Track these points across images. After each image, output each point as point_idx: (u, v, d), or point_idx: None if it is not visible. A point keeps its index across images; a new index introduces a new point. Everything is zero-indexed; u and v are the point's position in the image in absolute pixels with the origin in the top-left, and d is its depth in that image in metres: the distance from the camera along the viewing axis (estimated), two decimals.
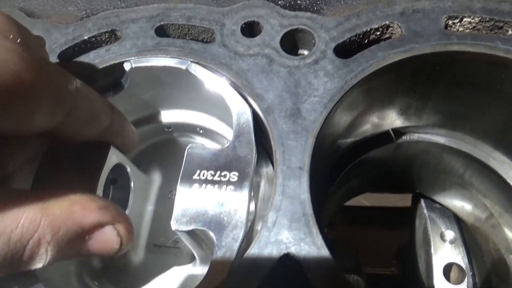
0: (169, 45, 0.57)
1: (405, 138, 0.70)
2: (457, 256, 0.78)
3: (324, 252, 0.42)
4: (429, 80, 0.56)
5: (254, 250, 0.43)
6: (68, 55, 0.59)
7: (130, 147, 0.55)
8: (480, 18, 0.52)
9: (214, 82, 0.54)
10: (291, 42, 0.56)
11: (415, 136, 0.69)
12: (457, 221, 0.81)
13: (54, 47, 0.59)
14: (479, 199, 0.75)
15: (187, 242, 0.51)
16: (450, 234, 0.79)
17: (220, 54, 0.55)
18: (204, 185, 0.49)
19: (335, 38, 0.53)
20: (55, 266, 0.49)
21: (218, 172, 0.49)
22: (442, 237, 0.80)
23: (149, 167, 0.65)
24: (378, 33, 0.54)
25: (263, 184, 0.59)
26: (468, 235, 0.80)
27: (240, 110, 0.52)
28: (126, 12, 0.60)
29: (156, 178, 0.65)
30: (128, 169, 0.56)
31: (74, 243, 0.41)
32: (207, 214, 0.47)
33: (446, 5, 0.53)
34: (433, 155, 0.72)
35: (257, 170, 0.57)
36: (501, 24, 0.51)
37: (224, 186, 0.48)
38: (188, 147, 0.51)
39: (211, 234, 0.46)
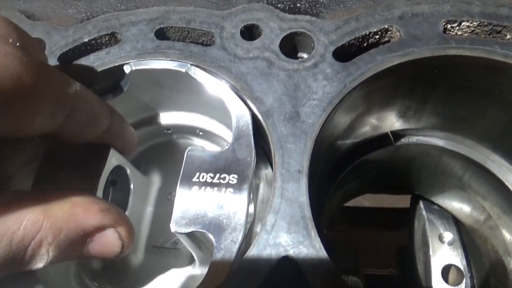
0: (169, 48, 0.57)
1: (404, 140, 0.70)
2: (456, 258, 0.78)
3: (323, 254, 0.43)
4: (428, 83, 0.56)
5: (253, 253, 0.43)
6: (68, 58, 0.60)
7: (130, 149, 0.55)
8: (478, 22, 0.52)
9: (214, 85, 0.54)
10: (291, 46, 0.57)
11: (414, 139, 0.70)
12: (456, 222, 0.81)
13: (54, 49, 0.60)
14: (477, 201, 0.76)
15: (186, 244, 0.51)
16: (448, 235, 0.80)
17: (219, 57, 0.55)
18: (203, 187, 0.49)
19: (334, 41, 0.54)
20: (55, 267, 0.49)
21: (218, 175, 0.49)
22: (440, 238, 0.80)
23: (149, 169, 0.66)
24: (377, 36, 0.55)
25: (262, 186, 0.59)
26: (467, 237, 0.80)
27: (240, 113, 0.52)
28: (126, 15, 0.61)
29: (156, 179, 0.65)
30: (128, 171, 0.56)
31: (75, 245, 0.41)
32: (206, 217, 0.47)
33: (444, 9, 0.53)
34: (432, 157, 0.72)
35: (256, 173, 0.57)
36: (500, 29, 0.52)
37: (224, 189, 0.48)
38: (187, 149, 0.52)
39: (210, 236, 0.46)
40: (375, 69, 0.51)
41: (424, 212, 0.83)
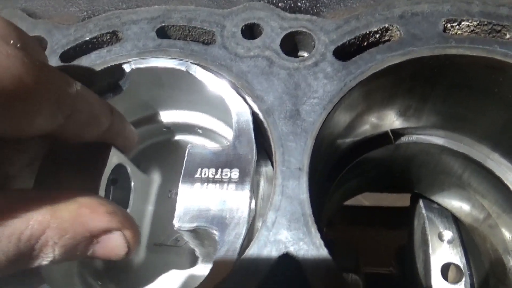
0: (170, 47, 0.57)
1: (404, 139, 0.70)
2: (455, 256, 0.78)
3: (323, 251, 0.43)
4: (428, 82, 0.56)
5: (253, 250, 0.44)
6: (70, 56, 0.60)
7: (130, 147, 0.55)
8: (478, 21, 0.52)
9: (214, 83, 0.55)
10: (291, 44, 0.57)
11: (414, 137, 0.70)
12: (455, 221, 0.82)
13: (55, 47, 0.60)
14: (477, 199, 0.76)
15: (189, 240, 0.52)
16: (448, 234, 0.80)
17: (220, 56, 0.56)
18: (205, 183, 0.49)
19: (335, 40, 0.54)
20: (58, 267, 0.49)
21: (220, 171, 0.50)
22: (440, 237, 0.80)
23: (149, 167, 0.66)
24: (378, 35, 0.55)
25: (262, 183, 0.59)
26: (466, 235, 0.81)
27: (240, 110, 0.53)
28: (127, 14, 0.61)
29: (156, 178, 0.66)
30: (129, 169, 0.57)
31: (81, 246, 0.41)
32: (209, 212, 0.48)
33: (444, 9, 0.53)
34: (432, 156, 0.73)
35: (256, 169, 0.58)
36: (499, 28, 0.52)
37: (226, 185, 0.49)
38: (188, 147, 0.52)
39: (214, 231, 0.47)
40: (375, 68, 0.51)
41: (423, 211, 0.84)
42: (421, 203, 0.85)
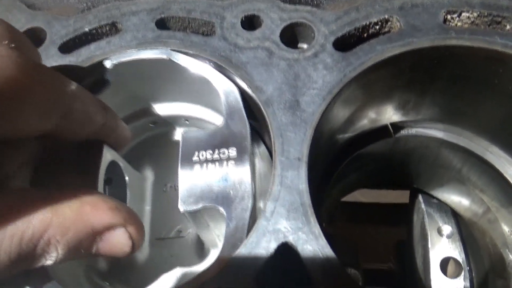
0: (169, 38, 0.57)
1: (403, 132, 0.70)
2: (454, 251, 0.78)
3: (322, 241, 0.43)
4: (427, 74, 0.56)
5: (252, 239, 0.44)
6: (69, 47, 0.60)
7: (124, 144, 0.55)
8: (478, 12, 0.52)
9: (197, 67, 0.55)
10: (291, 36, 0.57)
11: (413, 131, 0.70)
12: (455, 216, 0.82)
13: (55, 39, 0.60)
14: (476, 194, 0.76)
15: (195, 224, 0.52)
16: (447, 228, 0.80)
17: (220, 47, 0.56)
18: (205, 164, 0.50)
19: (335, 31, 0.54)
20: (64, 268, 0.49)
21: (217, 150, 0.50)
22: (439, 231, 0.80)
23: (140, 165, 0.65)
24: (377, 27, 0.55)
25: (258, 162, 0.59)
26: (465, 230, 0.81)
27: (227, 89, 0.53)
28: (126, 5, 0.61)
29: (149, 174, 0.65)
30: (122, 166, 0.56)
31: (84, 244, 0.41)
32: (213, 191, 0.48)
33: (445, 0, 0.53)
34: (431, 150, 0.73)
35: (251, 150, 0.58)
36: (500, 19, 0.52)
37: (225, 162, 0.49)
38: (182, 132, 0.52)
39: (221, 209, 0.47)
40: (374, 59, 0.51)
41: (423, 206, 0.84)
42: (420, 198, 0.85)
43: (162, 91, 0.62)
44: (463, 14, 0.53)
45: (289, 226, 0.44)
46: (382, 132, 0.69)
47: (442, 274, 0.77)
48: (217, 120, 0.61)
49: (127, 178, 0.57)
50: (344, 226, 1.14)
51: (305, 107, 0.50)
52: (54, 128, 0.42)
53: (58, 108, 0.41)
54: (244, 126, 0.51)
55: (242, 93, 0.53)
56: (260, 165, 0.59)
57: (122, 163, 0.56)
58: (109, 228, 0.41)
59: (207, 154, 0.50)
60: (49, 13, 0.63)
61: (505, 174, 0.65)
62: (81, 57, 0.58)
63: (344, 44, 0.54)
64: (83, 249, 0.41)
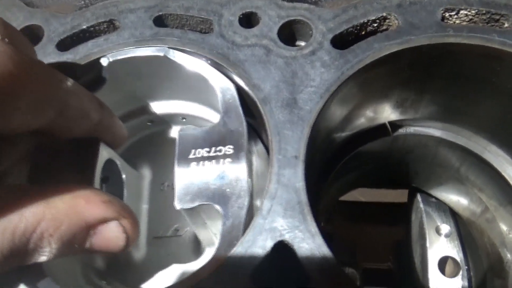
0: (167, 35, 0.57)
1: (401, 131, 0.70)
2: (452, 250, 0.78)
3: (318, 239, 0.43)
4: (425, 72, 0.56)
5: (249, 237, 0.44)
6: (67, 44, 0.60)
7: (120, 142, 0.55)
8: (476, 10, 0.52)
9: (194, 64, 0.55)
10: (289, 33, 0.57)
11: (412, 129, 0.70)
12: (453, 215, 0.81)
13: (52, 36, 0.60)
14: (474, 193, 0.76)
15: (192, 223, 0.52)
16: (445, 228, 0.80)
17: (218, 45, 0.55)
18: (201, 162, 0.49)
19: (332, 29, 0.54)
20: (61, 267, 0.49)
21: (213, 148, 0.50)
22: (437, 231, 0.80)
23: (138, 163, 0.65)
24: (375, 24, 0.55)
25: (255, 160, 0.59)
26: (464, 229, 0.80)
27: (224, 86, 0.53)
28: (124, 2, 0.61)
29: (146, 172, 0.65)
30: (119, 164, 0.56)
31: (78, 238, 0.41)
32: (209, 189, 0.48)
33: None
34: (429, 149, 0.73)
35: (248, 148, 0.58)
36: (498, 17, 0.52)
37: (221, 160, 0.49)
38: (179, 130, 0.52)
39: (217, 206, 0.47)
40: (372, 56, 0.51)
41: (421, 205, 0.83)
42: (418, 197, 0.85)
43: (159, 89, 0.62)
44: (461, 11, 0.52)
45: (286, 224, 0.44)
46: (380, 130, 0.69)
47: (440, 274, 0.77)
48: (214, 117, 0.61)
49: (124, 176, 0.57)
50: (342, 225, 1.13)
51: (302, 105, 0.50)
52: (50, 124, 0.42)
53: (54, 104, 0.41)
54: (240, 124, 0.50)
55: (240, 90, 0.53)
56: (257, 163, 0.59)
57: (119, 161, 0.56)
58: (103, 221, 0.41)
59: (204, 152, 0.50)
60: (47, 10, 0.63)
61: (503, 173, 0.65)
62: (78, 55, 0.58)
63: (342, 41, 0.54)
64: (76, 243, 0.41)
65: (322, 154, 0.64)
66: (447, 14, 0.53)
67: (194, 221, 0.51)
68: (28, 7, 0.64)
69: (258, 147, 0.60)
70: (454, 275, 0.76)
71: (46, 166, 0.48)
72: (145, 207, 0.63)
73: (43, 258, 0.39)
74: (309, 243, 0.43)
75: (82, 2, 0.65)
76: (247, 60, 0.54)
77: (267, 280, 0.44)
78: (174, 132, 0.67)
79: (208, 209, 0.48)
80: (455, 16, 0.53)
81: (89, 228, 0.41)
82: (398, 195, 0.96)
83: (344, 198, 0.99)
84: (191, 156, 0.50)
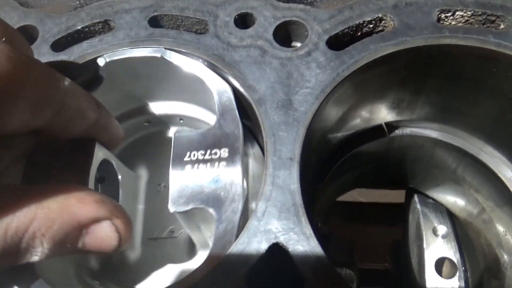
0: (162, 36, 0.57)
1: (397, 132, 0.70)
2: (449, 251, 0.78)
3: (313, 241, 0.42)
4: (421, 73, 0.56)
5: (243, 239, 0.43)
6: (61, 45, 0.59)
7: (116, 143, 0.55)
8: (472, 11, 0.52)
9: (191, 66, 0.54)
10: (284, 34, 0.56)
11: (408, 130, 0.70)
12: (450, 216, 0.81)
13: (47, 36, 0.59)
14: (471, 194, 0.76)
15: (185, 225, 0.51)
16: (442, 229, 0.80)
17: (213, 45, 0.55)
18: (196, 165, 0.49)
19: (328, 30, 0.53)
20: (54, 267, 0.49)
21: (208, 151, 0.50)
22: (434, 232, 0.80)
23: (134, 164, 0.65)
24: (371, 25, 0.54)
25: (251, 163, 0.59)
26: (461, 230, 0.80)
27: (220, 88, 0.53)
28: (119, 3, 0.60)
29: (143, 173, 0.65)
30: (115, 165, 0.56)
31: (70, 238, 0.40)
32: (203, 192, 0.48)
33: None
34: (426, 150, 0.72)
35: (244, 151, 0.57)
36: (493, 18, 0.52)
37: (216, 163, 0.49)
38: (175, 132, 0.52)
39: (211, 210, 0.47)
40: (368, 58, 0.51)
41: (418, 206, 0.83)
42: (416, 198, 0.84)
43: (156, 89, 0.62)
44: (457, 13, 0.52)
45: (281, 226, 0.44)
46: (377, 131, 0.69)
47: (437, 274, 0.76)
48: (212, 119, 0.61)
49: (120, 176, 0.57)
50: (340, 226, 1.13)
51: (297, 106, 0.50)
52: (47, 124, 0.41)
53: (51, 104, 0.41)
54: (236, 127, 0.50)
55: (235, 92, 0.53)
56: (253, 166, 0.59)
57: (115, 161, 0.56)
58: (95, 221, 0.41)
59: (199, 155, 0.50)
60: (41, 10, 0.62)
61: (499, 174, 0.65)
62: (73, 55, 0.58)
63: (338, 42, 0.54)
64: (69, 243, 0.40)
65: (318, 155, 0.64)
66: (443, 15, 0.52)
67: (188, 224, 0.51)
68: (22, 7, 0.63)
69: (255, 150, 0.60)
70: (451, 276, 0.76)
71: (41, 166, 0.48)
72: (141, 207, 0.63)
73: (35, 258, 0.39)
74: (303, 245, 0.43)
75: (77, 2, 0.65)
76: (242, 61, 0.54)
77: (262, 282, 0.44)
78: (172, 132, 0.67)
79: (202, 212, 0.48)
80: (451, 17, 0.53)
81: (82, 227, 0.41)
82: (398, 196, 0.96)
83: (343, 198, 0.99)
84: (186, 158, 0.50)
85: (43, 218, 0.38)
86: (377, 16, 0.53)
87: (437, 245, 0.79)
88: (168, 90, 0.62)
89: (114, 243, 0.42)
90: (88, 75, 0.57)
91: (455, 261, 0.77)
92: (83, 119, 0.46)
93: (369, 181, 0.90)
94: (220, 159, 0.49)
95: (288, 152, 0.47)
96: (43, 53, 0.58)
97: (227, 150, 0.49)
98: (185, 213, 0.48)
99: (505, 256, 0.72)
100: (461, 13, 0.52)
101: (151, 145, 0.67)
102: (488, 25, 0.52)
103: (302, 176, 0.47)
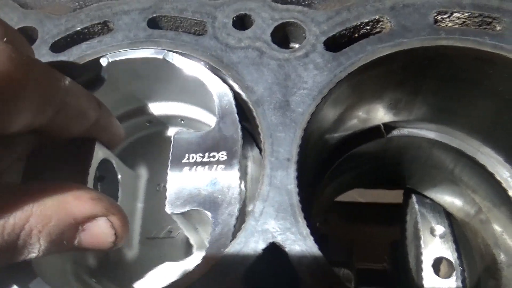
0: (161, 37, 0.57)
1: (395, 132, 0.70)
2: (447, 251, 0.78)
3: (310, 241, 0.43)
4: (418, 74, 0.56)
5: (240, 239, 0.44)
6: (61, 46, 0.60)
7: (117, 142, 0.55)
8: (469, 13, 0.52)
9: (192, 68, 0.55)
10: (282, 35, 0.57)
11: (405, 131, 0.70)
12: (447, 216, 0.82)
13: (46, 38, 0.60)
14: (468, 194, 0.76)
15: (182, 227, 0.52)
16: (440, 229, 0.80)
17: (211, 47, 0.56)
18: (194, 167, 0.49)
19: (326, 31, 0.54)
20: (51, 265, 0.49)
21: (207, 154, 0.50)
22: (432, 231, 0.80)
23: (135, 163, 0.65)
24: (368, 27, 0.55)
25: (250, 165, 0.60)
26: (458, 230, 0.81)
27: (221, 92, 0.53)
28: (118, 4, 0.61)
29: (143, 172, 0.65)
30: (115, 164, 0.56)
31: (66, 235, 0.41)
32: (200, 195, 0.48)
33: (436, 0, 0.53)
34: (423, 150, 0.73)
35: (243, 153, 0.58)
36: (490, 20, 0.52)
37: (214, 166, 0.49)
38: (174, 133, 0.52)
39: (207, 213, 0.47)
40: (365, 59, 0.51)
41: (416, 206, 0.84)
42: (413, 198, 0.85)
43: (158, 90, 0.62)
44: (454, 14, 0.53)
45: (278, 226, 0.44)
46: (374, 132, 0.69)
47: (435, 274, 0.77)
48: (212, 121, 0.61)
49: (119, 176, 0.57)
50: (339, 226, 1.14)
51: (295, 107, 0.50)
52: (48, 123, 0.42)
53: (52, 103, 0.41)
54: (236, 130, 0.50)
55: (234, 93, 0.53)
56: (252, 169, 0.59)
57: (115, 160, 0.56)
58: (91, 218, 0.42)
59: (197, 157, 0.50)
60: (41, 12, 0.63)
61: (495, 175, 0.66)
62: (72, 56, 0.58)
63: (335, 44, 0.54)
64: (65, 240, 0.41)
65: (316, 156, 0.64)
66: (439, 17, 0.53)
67: (185, 225, 0.51)
68: (22, 8, 0.64)
69: (254, 153, 0.60)
70: (448, 275, 0.77)
71: (41, 165, 0.49)
72: (140, 206, 0.63)
73: (32, 254, 0.40)
74: (300, 245, 0.43)
75: (76, 3, 0.65)
76: (240, 62, 0.54)
77: (259, 282, 0.44)
78: (173, 133, 0.67)
79: (199, 214, 0.49)
80: (448, 19, 0.53)
81: (78, 224, 0.41)
82: (398, 196, 0.96)
83: (342, 198, 0.99)
84: (184, 160, 0.50)
85: (39, 215, 0.38)
86: (374, 17, 0.54)
87: (434, 245, 0.79)
88: (170, 91, 0.62)
89: (110, 240, 0.43)
90: (90, 75, 0.57)
91: (453, 261, 0.77)
92: (84, 119, 0.46)
93: (367, 181, 0.90)
94: (218, 162, 0.49)
95: (286, 152, 0.48)
96: (42, 54, 0.59)
97: (225, 153, 0.49)
98: (182, 214, 0.48)
99: (502, 256, 0.72)
100: (458, 15, 0.52)
101: (151, 145, 0.67)
102: (485, 26, 0.52)
103: (300, 176, 0.47)
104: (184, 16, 0.59)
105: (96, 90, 0.57)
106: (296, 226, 0.44)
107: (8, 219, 0.37)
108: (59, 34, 0.60)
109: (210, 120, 0.62)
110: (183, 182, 0.49)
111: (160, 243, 0.61)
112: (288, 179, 0.46)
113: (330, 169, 0.71)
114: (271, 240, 0.44)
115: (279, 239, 0.44)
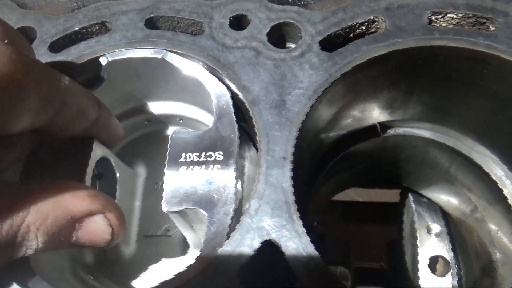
0: (158, 37, 0.58)
1: (391, 132, 0.71)
2: (443, 249, 0.79)
3: (305, 238, 0.43)
4: (413, 74, 0.57)
5: (236, 236, 0.44)
6: (59, 46, 0.60)
7: (116, 141, 0.56)
8: (463, 14, 0.53)
9: (191, 68, 0.55)
10: (278, 36, 0.57)
11: (401, 130, 0.70)
12: (444, 214, 0.82)
13: (45, 37, 0.60)
14: (464, 193, 0.77)
15: (179, 225, 0.52)
16: (436, 227, 0.80)
17: (208, 47, 0.56)
18: (191, 166, 0.50)
19: (321, 32, 0.54)
20: (49, 262, 0.49)
21: (204, 153, 0.50)
22: (428, 230, 0.81)
23: (133, 161, 0.66)
24: (364, 27, 0.55)
25: (247, 165, 0.60)
26: (454, 229, 0.81)
27: (219, 92, 0.53)
28: (116, 4, 0.61)
29: (141, 171, 0.66)
30: (113, 162, 0.57)
31: (63, 232, 0.41)
32: (196, 194, 0.49)
33: (430, 1, 0.54)
34: (419, 149, 0.73)
35: (240, 153, 0.58)
36: (483, 20, 0.52)
37: (211, 166, 0.49)
38: (172, 133, 0.53)
39: (203, 211, 0.48)
40: (360, 59, 0.52)
41: (412, 205, 0.84)
42: (410, 197, 0.85)
43: (157, 90, 0.63)
44: (448, 15, 0.53)
45: (273, 223, 0.45)
46: (370, 131, 0.70)
47: (431, 273, 0.77)
48: (210, 121, 0.61)
49: (118, 174, 0.58)
50: (336, 225, 1.14)
51: (290, 106, 0.51)
52: (48, 123, 0.42)
53: (53, 104, 0.41)
54: (233, 131, 0.51)
55: (231, 93, 0.54)
56: (249, 168, 0.60)
57: (113, 159, 0.57)
58: (88, 214, 0.42)
59: (194, 157, 0.50)
60: (39, 12, 0.63)
61: (490, 173, 0.66)
62: (70, 56, 0.58)
63: (331, 44, 0.55)
64: (63, 237, 0.41)
65: (312, 155, 0.65)
66: (434, 17, 0.53)
67: (181, 224, 0.52)
68: (20, 9, 0.64)
69: (251, 152, 0.60)
70: (444, 274, 0.77)
71: (40, 163, 0.49)
72: (137, 204, 0.64)
73: (30, 251, 0.40)
74: (295, 242, 0.44)
75: (75, 3, 0.65)
76: (236, 62, 0.54)
77: (255, 279, 0.45)
78: (171, 132, 0.67)
79: (195, 213, 0.49)
80: (442, 19, 0.53)
81: (75, 221, 0.42)
82: (395, 195, 0.97)
83: (340, 197, 1.00)
84: (181, 159, 0.51)
85: (37, 212, 0.39)
86: (369, 18, 0.54)
87: (430, 244, 0.80)
88: (168, 91, 0.62)
89: (107, 236, 0.43)
90: (89, 75, 0.58)
91: (449, 259, 0.78)
92: (83, 118, 0.47)
93: (363, 180, 0.90)
94: (214, 162, 0.50)
95: (281, 151, 0.48)
96: (40, 54, 0.59)
97: (222, 153, 0.50)
98: (178, 213, 0.49)
99: (497, 254, 0.73)
100: (452, 15, 0.53)
101: (150, 144, 0.68)
102: (478, 27, 0.53)
103: (295, 175, 0.48)
104: (181, 16, 0.59)
105: (95, 90, 0.57)
106: (291, 223, 0.44)
107: (7, 217, 0.38)
108: (57, 34, 0.60)
109: (208, 119, 0.63)
110: (179, 181, 0.49)
111: (157, 241, 0.62)
112: (283, 177, 0.47)
113: (326, 168, 0.71)
114: (266, 237, 0.44)
115: (274, 236, 0.44)
